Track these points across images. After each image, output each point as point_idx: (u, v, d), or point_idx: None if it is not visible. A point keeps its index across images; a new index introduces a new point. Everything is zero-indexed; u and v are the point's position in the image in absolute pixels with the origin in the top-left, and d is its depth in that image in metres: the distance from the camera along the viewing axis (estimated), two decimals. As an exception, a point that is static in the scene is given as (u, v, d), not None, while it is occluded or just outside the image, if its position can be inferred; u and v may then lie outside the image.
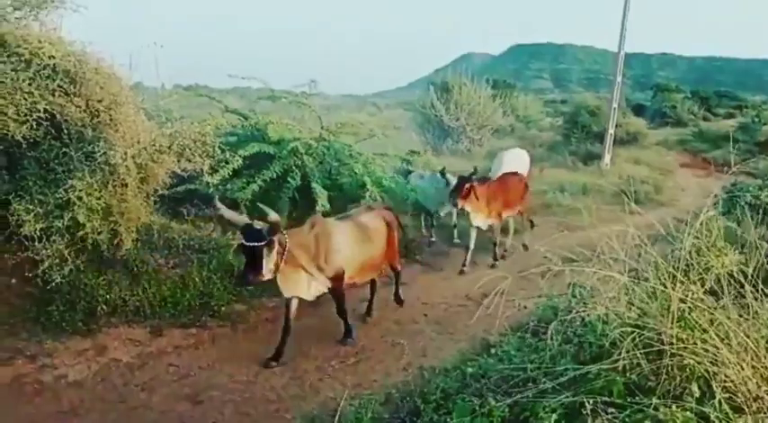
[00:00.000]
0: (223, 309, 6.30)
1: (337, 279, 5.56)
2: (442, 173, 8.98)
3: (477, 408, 2.82)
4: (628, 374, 2.76)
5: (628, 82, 23.92)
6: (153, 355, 5.44)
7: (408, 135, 15.13)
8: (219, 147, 6.17)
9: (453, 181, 8.37)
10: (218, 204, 5.08)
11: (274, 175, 7.91)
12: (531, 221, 9.94)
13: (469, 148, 17.89)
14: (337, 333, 5.97)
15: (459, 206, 7.90)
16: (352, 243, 5.76)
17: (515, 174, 9.47)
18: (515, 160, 10.95)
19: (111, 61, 6.01)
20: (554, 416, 2.57)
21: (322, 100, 10.09)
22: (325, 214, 7.86)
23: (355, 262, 5.78)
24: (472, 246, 8.39)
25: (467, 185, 7.84)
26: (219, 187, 7.45)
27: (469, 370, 3.64)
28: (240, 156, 7.05)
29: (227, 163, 6.83)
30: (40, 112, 5.22)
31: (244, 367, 5.29)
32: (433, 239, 9.57)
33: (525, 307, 4.20)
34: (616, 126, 16.81)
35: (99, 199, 5.31)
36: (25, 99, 5.21)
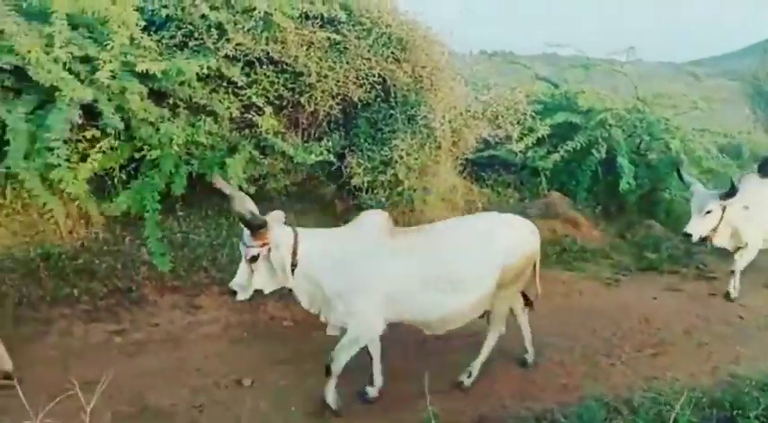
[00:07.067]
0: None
1: None
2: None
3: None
4: None
5: None
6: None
7: (738, 110, 13.17)
8: (531, 114, 6.18)
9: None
10: None
11: (578, 146, 7.67)
12: None
13: (816, 129, 14.92)
14: (623, 316, 5.67)
15: None
16: None
17: None
18: None
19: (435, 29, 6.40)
20: None
21: (637, 68, 9.34)
22: (629, 192, 7.37)
23: None
24: None
25: None
26: (520, 154, 7.53)
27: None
28: (547, 124, 6.98)
29: (532, 131, 6.82)
30: (374, 76, 5.83)
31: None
32: None
33: None
34: None
35: (416, 159, 5.78)
36: (364, 64, 5.86)
